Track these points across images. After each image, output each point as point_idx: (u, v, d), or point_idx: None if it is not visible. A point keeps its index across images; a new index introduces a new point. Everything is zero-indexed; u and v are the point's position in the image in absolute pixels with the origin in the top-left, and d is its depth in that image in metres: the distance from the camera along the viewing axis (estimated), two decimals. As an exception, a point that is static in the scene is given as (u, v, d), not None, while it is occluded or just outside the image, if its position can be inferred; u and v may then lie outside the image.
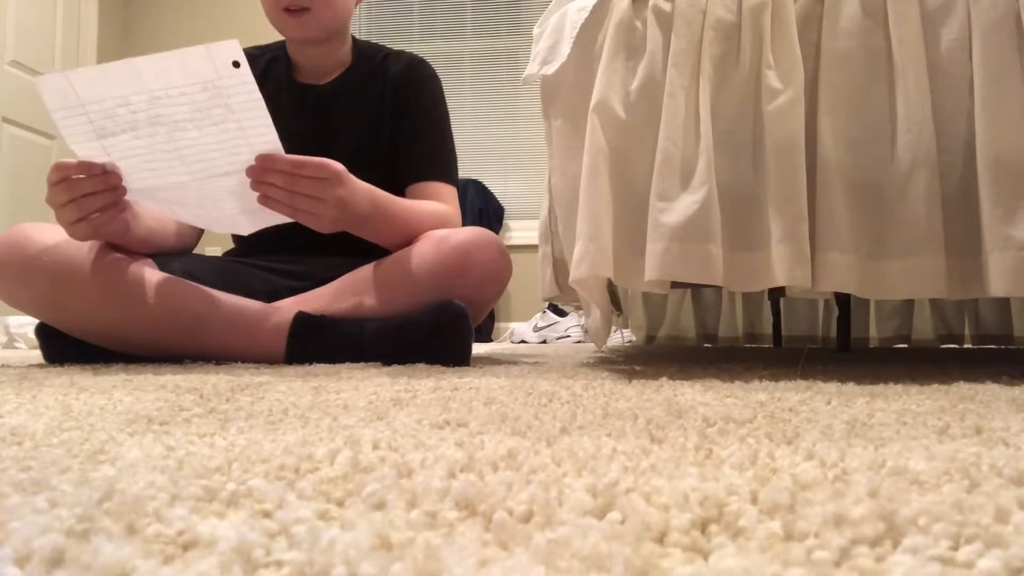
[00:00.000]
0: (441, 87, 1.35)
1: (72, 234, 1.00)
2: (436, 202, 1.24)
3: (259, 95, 0.92)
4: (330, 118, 1.30)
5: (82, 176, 0.97)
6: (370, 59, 1.34)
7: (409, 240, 1.15)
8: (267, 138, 0.95)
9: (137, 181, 0.99)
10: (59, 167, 0.97)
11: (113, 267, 1.05)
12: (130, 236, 1.07)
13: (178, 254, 1.21)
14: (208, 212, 1.06)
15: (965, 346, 1.94)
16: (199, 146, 0.95)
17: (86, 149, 0.96)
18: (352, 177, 1.04)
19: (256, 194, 0.99)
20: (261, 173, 0.97)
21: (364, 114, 1.30)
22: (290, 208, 1.00)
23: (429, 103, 1.32)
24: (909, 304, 1.94)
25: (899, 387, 0.73)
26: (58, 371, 0.94)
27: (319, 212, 1.01)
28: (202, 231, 1.30)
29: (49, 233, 1.05)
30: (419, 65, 1.34)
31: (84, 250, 1.04)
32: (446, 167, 1.30)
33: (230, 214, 1.06)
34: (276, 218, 1.05)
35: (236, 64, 0.89)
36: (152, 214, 1.15)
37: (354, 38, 1.37)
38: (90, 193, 0.97)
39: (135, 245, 1.10)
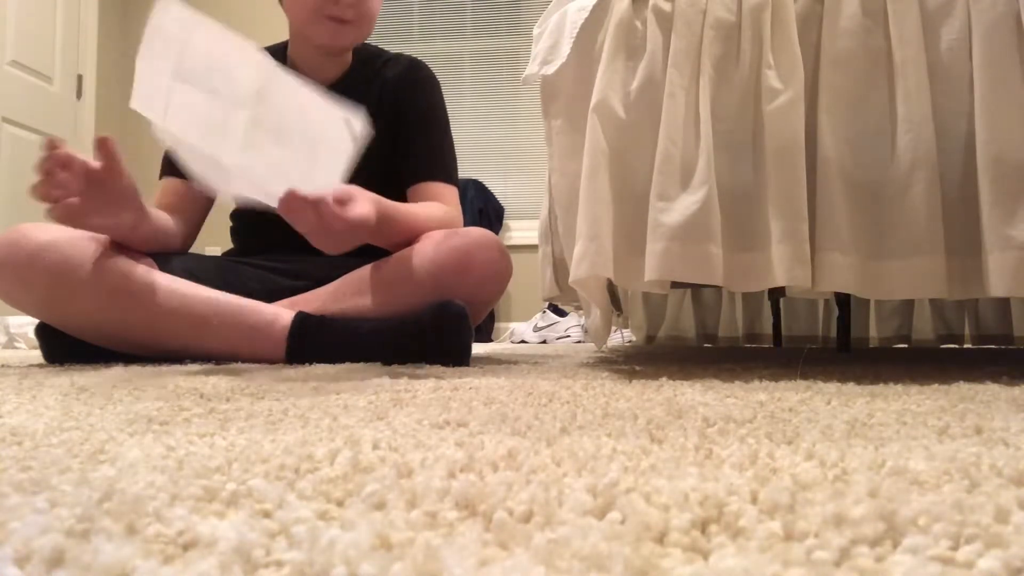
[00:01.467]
0: (440, 89, 1.35)
1: (57, 216, 0.98)
2: (438, 203, 1.24)
3: (351, 154, 0.91)
4: None
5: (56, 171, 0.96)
6: (369, 62, 1.33)
7: (406, 239, 1.15)
8: (328, 184, 0.94)
9: (175, 128, 0.95)
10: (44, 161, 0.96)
11: (113, 267, 1.05)
12: (137, 233, 1.08)
13: (178, 254, 1.21)
14: (210, 172, 1.04)
15: (965, 346, 1.94)
16: (261, 149, 0.94)
17: (150, 74, 0.92)
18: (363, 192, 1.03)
19: (257, 180, 0.99)
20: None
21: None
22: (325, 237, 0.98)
23: (428, 105, 1.32)
24: (909, 304, 1.95)
25: (899, 387, 0.73)
26: (58, 371, 0.94)
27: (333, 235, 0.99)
28: (196, 231, 1.31)
29: (48, 233, 1.05)
30: (417, 67, 1.34)
31: (84, 250, 1.04)
32: (446, 168, 1.30)
33: (224, 183, 1.04)
34: (263, 201, 1.04)
35: (347, 122, 0.89)
36: (161, 216, 1.15)
37: None
38: (57, 185, 0.96)
39: (139, 243, 1.10)
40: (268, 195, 0.98)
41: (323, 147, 0.92)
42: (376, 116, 1.30)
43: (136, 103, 0.95)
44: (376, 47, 1.39)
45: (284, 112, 0.91)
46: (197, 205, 1.27)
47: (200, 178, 1.09)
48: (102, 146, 1.00)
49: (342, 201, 0.97)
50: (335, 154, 0.91)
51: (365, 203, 0.99)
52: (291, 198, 0.94)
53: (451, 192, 1.29)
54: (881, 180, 0.89)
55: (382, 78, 1.32)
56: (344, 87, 1.31)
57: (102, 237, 1.08)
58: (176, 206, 1.25)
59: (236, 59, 0.91)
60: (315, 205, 0.94)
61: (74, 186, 0.97)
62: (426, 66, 1.36)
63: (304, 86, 0.91)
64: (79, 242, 1.05)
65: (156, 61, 0.92)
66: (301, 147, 0.92)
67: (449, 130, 1.35)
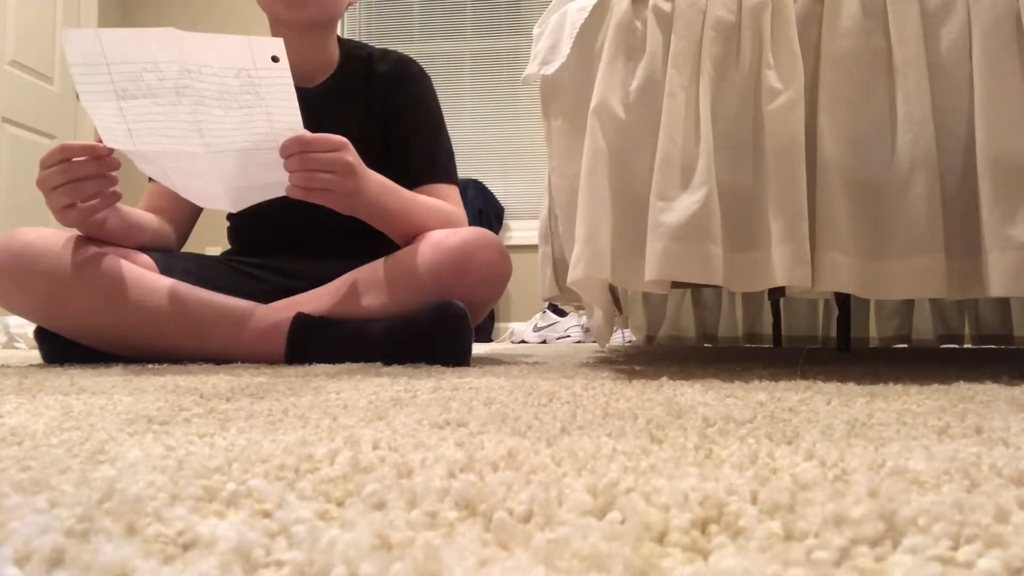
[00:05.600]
0: (431, 84, 1.34)
1: (61, 219, 1.02)
2: (440, 200, 1.24)
3: (292, 88, 0.94)
4: (321, 122, 1.28)
5: (83, 159, 0.98)
6: (357, 60, 1.32)
7: (416, 231, 1.14)
8: (293, 127, 0.97)
9: (146, 144, 0.99)
10: (64, 148, 0.98)
11: (110, 271, 1.05)
12: (107, 229, 1.08)
13: (177, 254, 1.21)
14: (195, 183, 1.06)
15: (965, 346, 1.94)
16: (221, 124, 0.96)
17: (101, 108, 0.96)
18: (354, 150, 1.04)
19: (254, 172, 1.00)
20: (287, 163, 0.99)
21: (354, 117, 1.29)
22: (307, 190, 1.00)
23: (420, 103, 1.30)
24: (909, 304, 1.95)
25: (899, 387, 0.73)
26: (58, 371, 0.94)
27: (335, 186, 1.01)
28: (187, 233, 1.31)
29: (47, 238, 1.04)
30: (406, 64, 1.32)
31: (81, 255, 1.04)
32: (444, 167, 1.30)
33: (218, 191, 1.05)
34: (264, 195, 1.06)
35: (275, 59, 0.91)
36: (131, 211, 1.15)
37: (338, 38, 1.35)
38: (85, 178, 0.98)
39: (110, 237, 1.10)
40: (256, 171, 1.00)
41: (264, 83, 0.93)
42: (368, 115, 1.29)
43: (109, 142, 0.99)
44: (360, 42, 1.37)
45: (212, 73, 0.93)
46: (185, 206, 1.27)
47: (183, 191, 1.10)
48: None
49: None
50: (276, 85, 0.93)
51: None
52: (283, 146, 0.97)
53: (453, 191, 1.28)
54: (881, 180, 0.89)
55: (372, 77, 1.30)
56: (333, 87, 1.30)
57: (97, 241, 1.08)
58: (164, 208, 1.25)
59: (152, 49, 0.92)
60: (285, 149, 0.97)
61: (96, 183, 1.01)
62: (415, 62, 1.34)
63: (209, 38, 0.92)
64: (76, 247, 1.04)
65: (96, 94, 0.94)
66: (247, 96, 0.94)
67: (444, 126, 1.34)
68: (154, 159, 1.02)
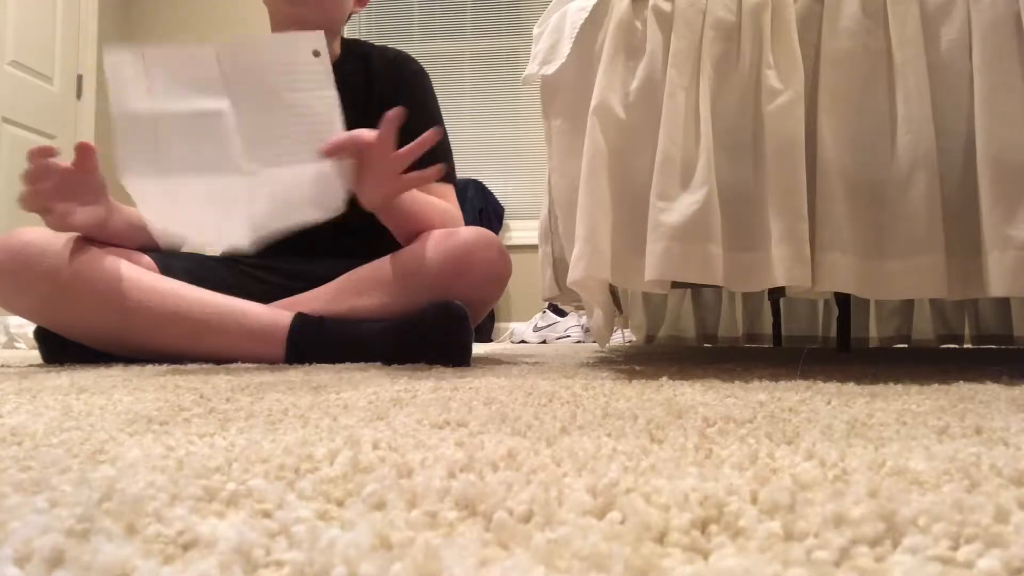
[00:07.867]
0: (430, 82, 1.34)
1: (48, 226, 1.03)
2: (440, 200, 1.24)
3: (333, 83, 0.94)
4: None
5: (38, 162, 1.00)
6: (356, 58, 1.32)
7: (420, 230, 1.14)
8: (335, 126, 0.98)
9: (177, 160, 0.97)
10: (28, 155, 1.01)
11: (110, 272, 1.05)
12: (107, 228, 1.08)
13: (179, 255, 1.21)
14: (212, 216, 1.04)
15: (965, 346, 1.94)
16: (260, 129, 0.95)
17: (134, 122, 0.95)
18: None
19: (273, 199, 1.00)
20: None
21: (353, 115, 1.29)
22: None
23: (419, 102, 1.31)
24: (909, 304, 1.95)
25: (899, 387, 0.73)
26: (58, 371, 0.94)
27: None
28: None
29: (47, 238, 1.05)
30: (405, 62, 1.32)
31: (81, 255, 1.04)
32: (443, 167, 1.29)
33: (239, 220, 1.03)
34: (289, 220, 1.06)
35: (316, 53, 0.91)
36: (133, 212, 1.15)
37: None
38: (41, 179, 1.00)
39: (110, 237, 1.11)
40: (290, 186, 0.99)
41: (304, 80, 0.93)
42: (367, 113, 1.29)
43: (125, 176, 0.96)
44: (360, 40, 1.37)
45: (255, 76, 0.92)
46: None
47: (217, 238, 1.08)
48: (83, 151, 1.04)
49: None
50: (317, 83, 0.93)
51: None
52: (332, 143, 0.98)
53: (450, 191, 1.28)
54: (881, 180, 0.89)
55: (370, 75, 1.30)
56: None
57: (98, 241, 1.08)
58: None
59: (192, 61, 0.92)
60: (352, 139, 0.99)
61: (55, 193, 1.01)
62: (414, 60, 1.34)
63: (255, 39, 0.92)
64: (76, 247, 1.05)
65: (131, 107, 0.94)
66: (288, 98, 0.94)
67: (443, 126, 1.34)
68: (173, 188, 0.99)
